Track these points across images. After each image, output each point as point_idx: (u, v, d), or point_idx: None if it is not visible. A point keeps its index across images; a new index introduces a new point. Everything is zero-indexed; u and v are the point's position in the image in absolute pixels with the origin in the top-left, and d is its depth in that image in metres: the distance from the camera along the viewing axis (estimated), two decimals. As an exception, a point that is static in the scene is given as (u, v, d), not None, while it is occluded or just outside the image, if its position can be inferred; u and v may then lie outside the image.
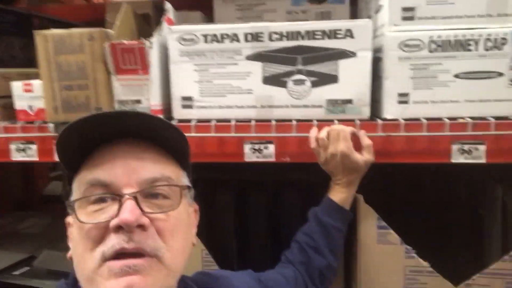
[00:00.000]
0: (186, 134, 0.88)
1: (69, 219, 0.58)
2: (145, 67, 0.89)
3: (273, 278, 0.79)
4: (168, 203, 0.55)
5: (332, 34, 0.85)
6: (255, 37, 0.88)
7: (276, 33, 0.87)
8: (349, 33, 0.85)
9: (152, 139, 0.57)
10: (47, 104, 0.92)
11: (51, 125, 0.94)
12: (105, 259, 0.50)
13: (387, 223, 0.88)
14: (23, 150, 0.96)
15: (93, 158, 0.56)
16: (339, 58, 0.86)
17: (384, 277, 0.90)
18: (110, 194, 0.53)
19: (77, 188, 0.56)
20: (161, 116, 0.58)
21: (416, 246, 0.89)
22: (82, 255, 0.52)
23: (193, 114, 0.92)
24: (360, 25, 0.85)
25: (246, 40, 0.88)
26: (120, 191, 0.52)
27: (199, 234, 0.94)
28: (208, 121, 0.90)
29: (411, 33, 0.84)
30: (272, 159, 0.89)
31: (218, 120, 0.90)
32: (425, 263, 0.87)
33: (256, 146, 0.89)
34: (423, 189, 1.13)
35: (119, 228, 0.50)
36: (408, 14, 0.85)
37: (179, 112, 0.93)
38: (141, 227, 0.51)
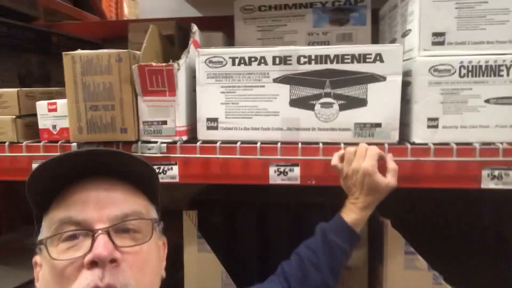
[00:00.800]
0: (211, 156, 0.89)
1: (37, 259, 0.59)
2: (172, 89, 0.89)
3: None
4: (140, 236, 0.57)
5: (362, 58, 0.85)
6: (284, 60, 0.88)
7: (304, 56, 0.87)
8: (379, 57, 0.85)
9: (122, 175, 0.58)
10: (72, 124, 0.91)
11: (74, 145, 0.93)
12: None
13: (414, 248, 0.86)
14: (45, 169, 0.95)
15: (63, 196, 0.56)
16: (368, 82, 0.86)
17: (412, 305, 0.88)
18: (83, 230, 0.53)
19: (48, 227, 0.56)
20: (132, 153, 0.61)
21: (443, 271, 0.87)
22: None
23: (218, 135, 0.91)
24: (391, 50, 0.84)
25: (274, 63, 0.88)
26: (92, 227, 0.53)
27: (220, 254, 0.93)
28: (233, 142, 0.89)
29: (441, 58, 0.83)
30: (297, 182, 0.88)
31: (243, 142, 0.89)
32: (453, 289, 0.85)
33: (282, 169, 0.88)
34: (449, 213, 1.11)
35: (92, 264, 0.51)
36: (439, 39, 0.84)
37: (203, 133, 0.92)
38: (114, 261, 0.52)
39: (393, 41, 1.04)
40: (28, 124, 0.98)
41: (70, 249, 0.53)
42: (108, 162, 0.57)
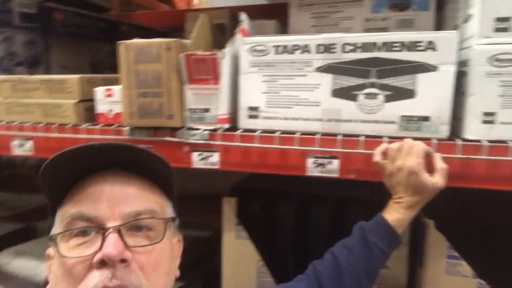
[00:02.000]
0: (250, 145, 0.89)
1: (50, 251, 0.58)
2: (216, 77, 0.90)
3: None
4: (153, 235, 0.55)
5: (412, 46, 0.79)
6: (328, 48, 0.85)
7: (350, 44, 0.83)
8: (431, 46, 0.78)
9: (138, 170, 0.57)
10: (124, 109, 0.97)
11: (126, 129, 0.99)
12: None
13: (460, 253, 0.80)
14: (102, 150, 1.03)
15: (77, 190, 0.55)
16: (418, 71, 0.80)
17: (453, 313, 0.82)
18: (94, 227, 0.52)
19: (60, 221, 0.55)
20: (151, 150, 0.57)
21: (491, 281, 0.79)
22: None
23: (258, 124, 0.92)
24: (444, 37, 0.78)
25: (318, 51, 0.86)
26: (103, 224, 0.52)
27: (257, 243, 0.94)
28: (272, 132, 0.89)
29: (504, 46, 0.75)
30: (336, 175, 0.85)
31: (283, 132, 0.89)
32: (502, 302, 0.78)
33: (320, 161, 0.86)
34: (503, 218, 1.01)
35: (102, 263, 0.50)
36: (503, 25, 0.76)
37: (244, 122, 0.93)
38: (124, 261, 0.50)
39: (454, 28, 0.95)
40: (88, 108, 1.06)
41: (80, 246, 0.52)
42: (123, 156, 0.55)
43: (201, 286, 1.03)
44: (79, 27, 1.53)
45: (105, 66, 1.66)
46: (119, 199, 0.54)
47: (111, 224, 0.52)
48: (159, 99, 0.95)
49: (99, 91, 1.03)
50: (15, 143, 1.07)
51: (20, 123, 1.08)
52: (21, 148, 1.07)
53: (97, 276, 0.50)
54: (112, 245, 0.50)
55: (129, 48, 0.95)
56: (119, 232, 0.52)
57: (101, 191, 0.54)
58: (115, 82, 1.16)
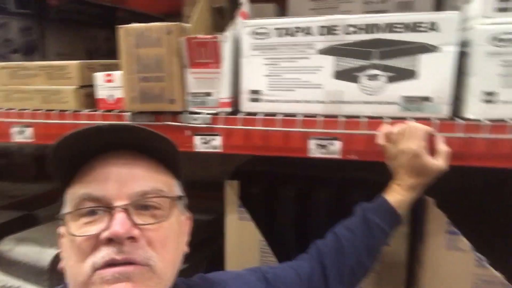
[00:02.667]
0: (252, 128, 0.90)
1: (61, 229, 0.59)
2: (217, 61, 0.90)
3: (284, 275, 0.75)
4: (160, 213, 0.56)
5: (414, 27, 0.80)
6: (330, 30, 0.85)
7: (352, 25, 0.83)
8: (433, 26, 0.79)
9: (144, 150, 0.58)
10: (126, 94, 0.97)
11: (128, 114, 0.99)
12: (95, 269, 0.51)
13: (459, 229, 0.82)
14: (103, 136, 1.03)
15: (85, 171, 0.56)
16: (419, 52, 0.80)
17: (450, 286, 0.84)
18: (102, 207, 0.53)
19: (69, 201, 0.57)
20: (157, 131, 0.58)
21: (491, 256, 0.81)
22: (74, 267, 0.54)
23: (260, 107, 0.92)
24: (447, 18, 0.78)
25: (320, 33, 0.86)
26: (111, 204, 0.53)
27: (260, 225, 0.96)
28: (274, 114, 0.89)
29: (505, 26, 0.75)
30: (337, 156, 0.86)
31: (285, 115, 0.89)
32: (498, 274, 0.79)
33: (321, 142, 0.87)
34: (501, 194, 1.03)
35: (109, 240, 0.51)
36: (505, 4, 0.76)
37: (246, 105, 0.93)
38: (132, 238, 0.52)
39: (454, 9, 0.95)
40: (89, 94, 1.05)
41: (88, 224, 0.54)
42: (130, 137, 0.57)
43: (205, 267, 1.04)
44: (74, 13, 1.52)
45: (101, 52, 1.64)
46: (126, 179, 0.55)
47: (118, 203, 0.54)
48: (161, 83, 0.95)
49: (99, 77, 1.03)
50: (14, 130, 1.07)
51: (19, 110, 1.07)
52: (21, 135, 1.07)
53: (105, 250, 0.52)
54: (119, 224, 0.51)
55: (129, 32, 0.94)
56: (126, 211, 0.53)
57: (108, 172, 0.56)
58: (114, 67, 1.15)
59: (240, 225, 0.97)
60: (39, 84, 1.07)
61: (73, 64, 1.05)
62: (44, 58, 1.40)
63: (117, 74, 1.01)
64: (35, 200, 1.55)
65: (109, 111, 1.02)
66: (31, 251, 1.15)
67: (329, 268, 0.77)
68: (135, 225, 0.53)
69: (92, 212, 0.54)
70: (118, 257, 0.51)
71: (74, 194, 0.56)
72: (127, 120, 0.99)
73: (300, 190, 1.02)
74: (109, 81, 1.02)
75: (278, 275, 0.75)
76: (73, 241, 0.54)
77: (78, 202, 0.55)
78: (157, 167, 0.60)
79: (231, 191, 0.97)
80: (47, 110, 1.05)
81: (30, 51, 1.38)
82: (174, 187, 0.62)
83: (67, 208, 0.57)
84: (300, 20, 0.87)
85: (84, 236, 0.53)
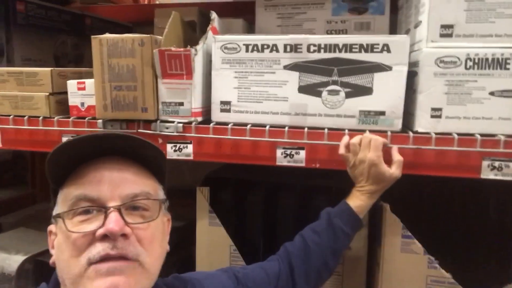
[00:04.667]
0: (223, 137, 0.95)
1: (52, 228, 0.64)
2: (189, 73, 0.95)
3: (254, 274, 0.81)
4: (148, 214, 0.62)
5: (369, 48, 0.88)
6: (294, 48, 0.92)
7: (314, 45, 0.91)
8: (386, 48, 0.87)
9: (134, 157, 0.64)
10: (98, 102, 0.99)
11: (99, 121, 1.01)
12: (91, 263, 0.55)
13: (412, 233, 0.90)
14: (74, 142, 1.05)
15: (79, 174, 0.61)
16: (374, 71, 0.89)
17: (405, 286, 0.92)
18: (96, 206, 0.58)
19: (64, 201, 0.61)
20: (149, 140, 0.64)
21: (441, 257, 0.90)
22: (68, 261, 0.57)
23: (230, 117, 0.97)
24: (398, 41, 0.87)
25: (285, 50, 0.93)
26: (105, 204, 0.58)
27: (230, 230, 1.00)
28: (244, 125, 0.95)
29: (448, 50, 0.85)
30: (303, 164, 0.93)
31: (254, 125, 0.95)
32: (447, 274, 0.88)
33: (288, 151, 0.93)
34: (450, 201, 1.13)
35: (104, 237, 0.56)
36: (447, 31, 0.86)
37: (217, 115, 0.98)
38: (124, 236, 0.57)
39: (407, 31, 1.05)
40: (60, 101, 1.07)
41: (84, 222, 0.58)
42: (122, 145, 0.61)
43: (175, 271, 1.07)
44: (42, 19, 1.51)
45: (69, 59, 1.64)
46: (118, 182, 0.60)
47: (111, 204, 0.58)
48: (134, 92, 0.98)
49: (71, 84, 1.04)
50: (-18, 135, 1.06)
51: (-13, 115, 1.07)
52: (-12, 141, 1.06)
53: (99, 246, 0.56)
54: (114, 222, 0.56)
55: (102, 42, 0.97)
56: (119, 211, 0.58)
57: (101, 175, 0.60)
58: (85, 75, 1.17)
59: (210, 230, 1.01)
60: (9, 90, 1.07)
61: (44, 71, 1.06)
62: (10, 63, 1.39)
63: (89, 82, 1.03)
64: (-2, 206, 1.52)
65: (81, 118, 1.04)
66: (-4, 258, 1.13)
67: (296, 269, 0.83)
68: (127, 223, 0.58)
69: (86, 212, 0.58)
70: (113, 252, 0.56)
71: (69, 195, 0.60)
72: (98, 127, 1.02)
73: (268, 196, 1.08)
74: (82, 88, 1.04)
75: (247, 274, 0.80)
76: (69, 237, 0.57)
77: (74, 202, 0.59)
78: (144, 172, 0.65)
79: (201, 197, 1.01)
80: (16, 116, 1.06)
81: (-5, 56, 1.37)
82: (159, 191, 0.67)
83: (61, 207, 0.61)
84: (267, 37, 0.94)
85: (80, 233, 0.57)
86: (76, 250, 0.57)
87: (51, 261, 0.63)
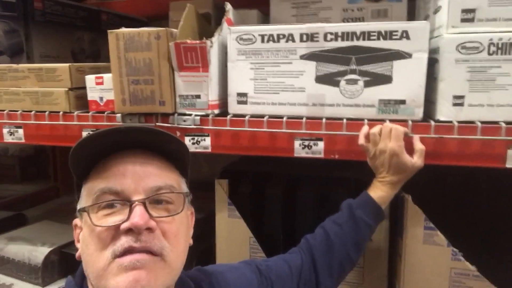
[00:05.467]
0: (240, 129, 0.95)
1: (77, 222, 0.65)
2: (205, 65, 0.95)
3: (276, 267, 0.80)
4: (172, 207, 0.62)
5: (388, 35, 0.86)
6: (310, 37, 0.91)
7: (331, 33, 0.89)
8: (405, 35, 0.85)
9: (157, 150, 0.63)
10: (116, 96, 1.00)
11: (118, 116, 1.02)
12: (115, 256, 0.56)
13: (435, 224, 0.88)
14: (93, 137, 1.06)
15: (102, 167, 0.61)
16: (394, 58, 0.87)
17: (428, 279, 0.90)
18: (121, 200, 0.58)
19: (88, 195, 0.61)
20: (172, 133, 0.64)
21: (465, 249, 0.88)
22: (93, 255, 0.58)
23: (247, 109, 0.97)
24: (417, 27, 0.85)
25: (302, 40, 0.91)
26: (129, 198, 0.58)
27: (249, 221, 1.00)
28: (261, 116, 0.94)
29: (470, 35, 0.82)
30: (321, 156, 0.92)
31: (271, 116, 0.94)
32: (472, 267, 0.87)
33: (306, 142, 0.92)
34: (474, 192, 1.11)
35: (129, 231, 0.56)
36: (468, 15, 0.83)
37: (234, 107, 0.98)
38: (149, 229, 0.57)
39: (426, 17, 1.02)
40: (79, 96, 1.08)
41: (108, 216, 0.58)
42: (145, 138, 0.61)
43: (195, 263, 1.08)
44: (59, 16, 1.53)
45: (86, 54, 1.66)
46: (142, 175, 0.60)
47: (136, 197, 0.59)
48: (151, 86, 0.98)
49: (90, 79, 1.06)
50: (5, 130, 1.09)
51: (10, 111, 1.09)
52: (11, 136, 1.09)
53: (124, 238, 0.56)
54: (138, 216, 0.56)
55: (119, 37, 0.98)
56: (144, 204, 0.58)
57: (125, 168, 0.60)
58: (102, 70, 1.18)
59: (229, 222, 1.01)
60: (30, 86, 1.09)
61: (63, 66, 1.07)
62: (29, 60, 1.41)
63: (107, 77, 1.04)
64: (23, 200, 1.56)
65: (100, 112, 1.05)
66: (23, 249, 1.17)
67: (319, 261, 0.82)
68: (151, 217, 0.58)
69: (111, 205, 0.59)
70: (136, 244, 0.56)
71: (93, 188, 0.61)
72: (117, 121, 1.03)
73: (287, 188, 1.07)
74: (100, 83, 1.05)
75: (270, 267, 0.80)
76: (94, 231, 0.58)
77: (99, 195, 0.59)
78: (168, 165, 0.65)
79: (220, 190, 1.01)
80: (37, 112, 1.08)
81: (15, 54, 1.39)
82: (182, 184, 0.68)
83: (85, 201, 0.62)
84: (283, 27, 0.93)
85: (105, 226, 0.57)
86: (101, 244, 0.57)
87: (77, 254, 0.64)
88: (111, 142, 0.61)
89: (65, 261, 1.19)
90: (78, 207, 0.63)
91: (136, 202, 0.58)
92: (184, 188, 0.68)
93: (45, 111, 1.07)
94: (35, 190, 1.74)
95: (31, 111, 1.08)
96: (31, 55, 1.43)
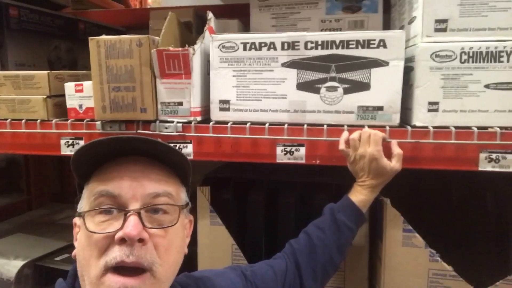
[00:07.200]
0: (223, 135, 0.95)
1: (76, 220, 0.65)
2: (187, 72, 0.95)
3: (261, 272, 0.81)
4: (168, 218, 0.62)
5: (366, 44, 0.89)
6: (292, 45, 0.93)
7: (311, 42, 0.92)
8: (382, 43, 0.89)
9: (157, 158, 0.64)
10: (96, 103, 0.99)
11: (98, 123, 1.01)
12: (107, 268, 0.56)
13: (413, 226, 0.91)
14: (72, 145, 1.04)
15: (103, 171, 0.62)
16: (371, 66, 0.90)
17: (408, 280, 0.93)
18: (117, 207, 0.59)
19: (87, 197, 0.62)
20: (171, 145, 0.65)
21: (441, 250, 0.91)
22: (88, 261, 0.59)
23: (229, 116, 0.98)
24: (394, 36, 0.88)
25: (283, 48, 0.93)
26: (126, 205, 0.59)
27: (231, 229, 1.00)
28: (243, 123, 0.95)
29: (443, 44, 0.87)
30: (303, 161, 0.93)
31: (253, 123, 0.95)
32: (449, 267, 0.89)
33: (288, 148, 0.94)
34: (449, 194, 1.15)
35: (122, 241, 0.56)
36: (441, 26, 0.88)
37: (216, 114, 0.99)
38: (141, 241, 0.57)
39: (401, 28, 1.07)
40: (57, 104, 1.06)
41: (104, 222, 0.58)
42: (145, 147, 0.62)
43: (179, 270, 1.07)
44: (35, 24, 1.50)
45: (63, 64, 1.63)
46: (140, 180, 0.61)
47: (132, 206, 0.59)
48: (132, 93, 0.98)
49: (69, 87, 1.04)
50: (-22, 140, 1.05)
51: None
52: (-15, 145, 1.05)
53: (117, 250, 0.56)
54: (132, 226, 0.56)
55: (100, 44, 0.97)
56: (138, 214, 0.58)
57: (125, 173, 0.61)
58: (82, 78, 1.17)
59: (211, 229, 1.01)
60: (5, 94, 1.06)
61: (41, 73, 1.06)
62: (3, 68, 1.37)
63: (87, 84, 1.03)
64: (-4, 213, 1.50)
65: (80, 120, 1.03)
66: (-5, 263, 1.12)
67: (303, 265, 0.83)
68: (145, 228, 0.58)
69: (107, 212, 0.59)
70: (128, 260, 0.56)
71: (92, 190, 0.61)
72: (97, 129, 1.01)
73: (269, 194, 1.08)
74: (79, 91, 1.04)
75: (255, 272, 0.80)
76: (89, 237, 0.58)
77: (96, 198, 0.60)
78: (167, 173, 0.65)
79: (202, 197, 1.01)
80: (13, 119, 1.05)
81: (-11, 61, 1.36)
82: (181, 194, 0.68)
83: (84, 203, 0.63)
84: (264, 36, 0.95)
85: (100, 234, 0.58)
86: (96, 251, 0.57)
87: (73, 253, 0.64)
88: (111, 149, 0.62)
89: (39, 274, 1.16)
90: (78, 209, 0.64)
91: (131, 212, 0.58)
92: (183, 197, 0.68)
93: (22, 119, 1.04)
94: (6, 203, 1.68)
95: (6, 119, 1.05)
96: (5, 63, 1.39)
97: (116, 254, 0.56)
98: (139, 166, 0.62)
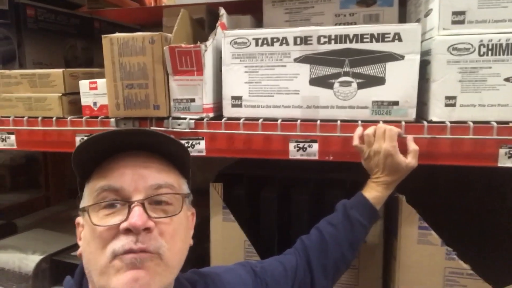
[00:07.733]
0: (235, 132, 0.95)
1: (79, 220, 0.66)
2: (200, 69, 0.95)
3: (271, 268, 0.80)
4: (171, 208, 0.62)
5: (381, 37, 0.88)
6: (304, 40, 0.92)
7: (324, 36, 0.90)
8: (397, 37, 0.87)
9: (157, 152, 0.65)
10: (110, 101, 1.00)
11: (112, 120, 1.02)
12: (115, 255, 0.57)
13: (429, 224, 0.89)
14: (87, 142, 1.05)
15: (104, 167, 0.63)
16: (386, 60, 0.88)
17: (423, 278, 0.91)
18: (121, 200, 0.60)
19: (89, 194, 0.63)
20: (172, 136, 0.65)
21: (458, 248, 0.89)
22: (95, 253, 0.59)
23: (241, 112, 0.97)
24: (409, 29, 0.86)
25: (295, 43, 0.92)
26: (129, 197, 0.60)
27: (244, 225, 1.00)
28: (256, 119, 0.95)
29: (460, 37, 0.84)
30: (316, 157, 0.92)
31: (266, 119, 0.95)
32: (466, 265, 0.87)
33: (301, 144, 0.93)
34: (467, 191, 1.12)
35: (128, 230, 0.57)
36: (459, 18, 0.85)
37: (228, 111, 0.98)
38: (147, 229, 0.58)
39: (417, 21, 1.04)
40: (72, 101, 1.08)
41: (108, 216, 0.59)
42: (145, 140, 0.63)
43: (190, 267, 1.07)
44: (52, 23, 1.53)
45: (79, 62, 1.65)
46: (141, 173, 0.61)
47: (136, 197, 0.59)
48: (145, 90, 0.98)
49: (84, 84, 1.05)
50: (-3, 137, 1.08)
51: (2, 117, 1.08)
52: (3, 142, 1.07)
53: (124, 239, 0.57)
54: (137, 216, 0.57)
55: (113, 41, 0.98)
56: (142, 205, 0.59)
57: (125, 166, 0.62)
58: (96, 75, 1.18)
59: (224, 225, 1.01)
60: (22, 92, 1.08)
61: (56, 72, 1.07)
62: (22, 67, 1.40)
63: (101, 82, 1.04)
64: (14, 209, 1.54)
65: (94, 117, 1.04)
66: (13, 258, 1.15)
67: (314, 262, 0.82)
68: (150, 217, 0.59)
69: (111, 205, 0.60)
70: (135, 246, 0.57)
71: (94, 186, 0.62)
72: (111, 125, 1.02)
73: (282, 191, 1.07)
74: (94, 88, 1.05)
75: (265, 269, 0.80)
76: (95, 230, 0.59)
77: (99, 193, 0.61)
78: (168, 165, 0.66)
79: (215, 193, 1.01)
80: (30, 117, 1.07)
81: (8, 61, 1.38)
82: (183, 185, 0.68)
83: (87, 201, 0.63)
84: (277, 31, 0.94)
85: (105, 226, 0.58)
86: (102, 243, 0.58)
87: (78, 252, 0.65)
88: (112, 144, 0.62)
89: (56, 269, 1.17)
90: (80, 206, 0.64)
91: (135, 203, 0.59)
92: (185, 188, 0.68)
93: (38, 117, 1.06)
94: (25, 199, 1.72)
95: (23, 117, 1.07)
96: (23, 62, 1.42)
97: (124, 242, 0.57)
98: (140, 159, 0.63)
